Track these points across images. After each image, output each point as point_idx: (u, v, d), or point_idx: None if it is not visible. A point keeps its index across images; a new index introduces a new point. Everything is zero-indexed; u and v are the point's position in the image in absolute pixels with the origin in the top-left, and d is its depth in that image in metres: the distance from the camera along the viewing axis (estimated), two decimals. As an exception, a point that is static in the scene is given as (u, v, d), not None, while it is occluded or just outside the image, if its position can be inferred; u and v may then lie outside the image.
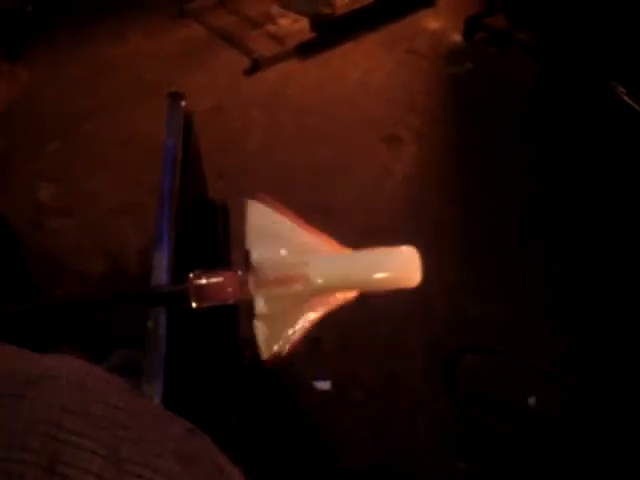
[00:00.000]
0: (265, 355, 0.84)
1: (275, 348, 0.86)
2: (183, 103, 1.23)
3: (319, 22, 2.88)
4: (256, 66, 2.84)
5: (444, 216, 2.21)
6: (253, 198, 1.02)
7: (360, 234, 1.93)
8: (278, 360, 0.83)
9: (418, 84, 2.74)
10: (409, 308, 1.94)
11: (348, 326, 1.90)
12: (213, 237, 1.03)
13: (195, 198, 1.29)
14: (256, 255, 0.90)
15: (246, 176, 2.45)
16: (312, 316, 0.89)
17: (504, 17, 2.83)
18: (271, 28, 2.99)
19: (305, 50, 2.91)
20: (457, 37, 2.91)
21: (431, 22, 3.03)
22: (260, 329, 0.89)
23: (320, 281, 0.87)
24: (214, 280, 0.91)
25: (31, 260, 2.09)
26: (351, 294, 0.93)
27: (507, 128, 2.52)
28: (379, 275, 0.92)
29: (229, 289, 0.90)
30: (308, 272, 0.88)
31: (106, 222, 2.25)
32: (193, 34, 3.06)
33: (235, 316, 1.33)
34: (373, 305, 1.96)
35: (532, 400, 1.69)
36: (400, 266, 0.93)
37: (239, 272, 0.92)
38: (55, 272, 2.06)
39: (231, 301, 0.90)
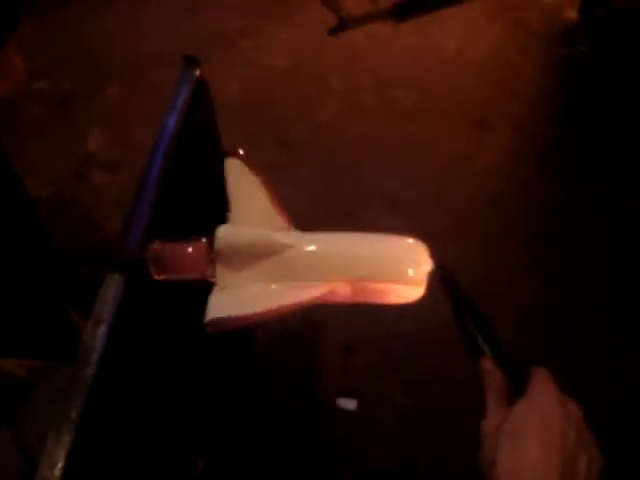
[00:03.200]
0: (207, 317, 0.69)
1: (222, 314, 0.70)
2: (197, 72, 1.01)
3: (420, -18, 2.57)
4: (342, 25, 2.57)
5: (523, 224, 1.91)
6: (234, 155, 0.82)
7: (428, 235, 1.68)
8: (219, 329, 0.68)
9: (521, 64, 2.38)
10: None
11: (389, 338, 1.66)
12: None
13: (197, 191, 1.08)
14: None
15: (312, 149, 2.22)
16: (282, 300, 0.71)
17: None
18: (366, -15, 2.70)
19: (400, 12, 2.60)
20: (572, 14, 2.51)
21: (544, -6, 2.63)
22: (216, 292, 0.72)
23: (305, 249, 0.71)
24: (178, 249, 0.75)
25: (64, 217, 1.97)
26: (340, 289, 0.73)
27: (619, 131, 2.15)
28: (369, 262, 0.71)
29: (195, 261, 0.74)
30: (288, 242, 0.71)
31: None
32: (282, -16, 2.81)
33: (250, 343, 1.13)
34: (425, 323, 1.71)
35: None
36: (402, 259, 0.71)
37: (205, 241, 0.75)
38: (87, 232, 1.92)
39: (197, 275, 0.74)
